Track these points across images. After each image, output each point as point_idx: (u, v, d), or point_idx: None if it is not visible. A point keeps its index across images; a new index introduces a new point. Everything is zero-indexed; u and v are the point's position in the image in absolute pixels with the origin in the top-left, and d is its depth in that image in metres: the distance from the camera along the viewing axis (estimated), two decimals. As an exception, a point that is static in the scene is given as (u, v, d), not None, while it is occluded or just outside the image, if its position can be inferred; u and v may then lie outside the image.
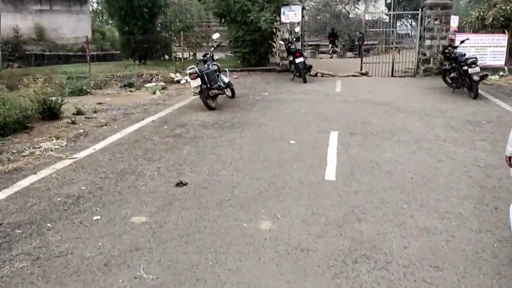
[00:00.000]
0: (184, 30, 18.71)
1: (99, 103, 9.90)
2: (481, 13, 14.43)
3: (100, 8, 39.95)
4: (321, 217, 4.02)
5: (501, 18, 13.69)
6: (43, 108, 7.93)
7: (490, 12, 14.00)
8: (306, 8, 23.16)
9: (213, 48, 10.44)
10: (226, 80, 9.88)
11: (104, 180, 5.02)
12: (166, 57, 19.52)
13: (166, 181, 4.99)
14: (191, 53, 20.69)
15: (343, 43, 28.55)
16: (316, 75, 14.58)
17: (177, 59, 17.83)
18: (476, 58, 9.91)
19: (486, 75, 10.17)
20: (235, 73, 14.40)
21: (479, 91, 10.04)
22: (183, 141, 6.71)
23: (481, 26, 14.77)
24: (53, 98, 8.24)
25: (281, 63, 15.51)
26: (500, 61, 13.62)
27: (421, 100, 9.81)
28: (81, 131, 7.31)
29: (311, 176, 5.08)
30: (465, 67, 9.78)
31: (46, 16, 23.52)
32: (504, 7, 13.49)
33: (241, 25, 14.92)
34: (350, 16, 31.27)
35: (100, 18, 37.16)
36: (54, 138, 6.76)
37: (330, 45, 26.96)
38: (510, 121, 7.69)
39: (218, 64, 10.08)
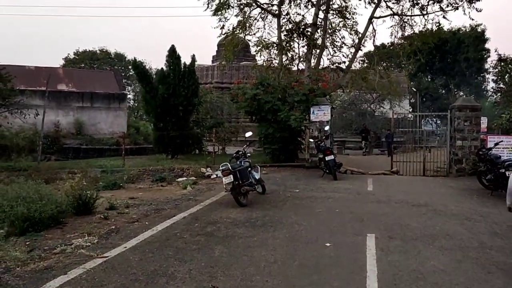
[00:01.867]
0: (215, 126, 19.40)
1: (131, 198, 9.98)
2: (512, 116, 14.56)
3: (136, 104, 42.59)
4: (368, 336, 3.67)
5: (532, 121, 13.74)
6: (78, 203, 8.01)
7: (521, 115, 14.12)
8: (333, 106, 23.87)
9: (246, 145, 10.67)
10: (257, 176, 9.93)
11: (134, 283, 4.82)
12: (197, 151, 20.03)
13: (198, 285, 4.75)
14: (220, 148, 21.21)
15: (369, 140, 28.89)
16: (345, 172, 14.53)
17: (208, 153, 18.25)
18: (513, 160, 9.74)
19: (525, 178, 9.87)
20: (264, 168, 14.50)
21: (519, 193, 9.66)
22: (214, 240, 6.54)
23: (512, 128, 14.81)
24: (88, 192, 8.37)
25: (310, 160, 15.59)
26: (535, 162, 13.29)
27: (459, 203, 9.48)
28: (113, 227, 7.27)
29: (351, 286, 4.76)
30: (502, 170, 9.58)
31: (86, 112, 25.18)
32: (535, 110, 13.62)
33: (271, 123, 15.38)
34: (376, 114, 32.05)
35: (136, 114, 39.37)
36: (86, 234, 6.71)
37: (363, 142, 27.17)
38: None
39: (250, 160, 10.21)
